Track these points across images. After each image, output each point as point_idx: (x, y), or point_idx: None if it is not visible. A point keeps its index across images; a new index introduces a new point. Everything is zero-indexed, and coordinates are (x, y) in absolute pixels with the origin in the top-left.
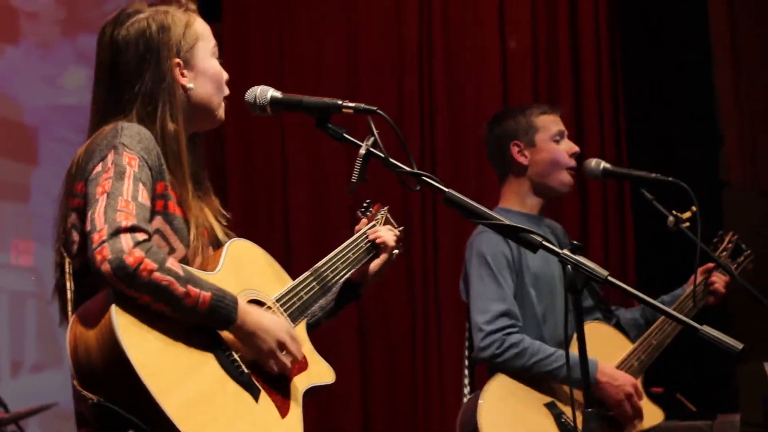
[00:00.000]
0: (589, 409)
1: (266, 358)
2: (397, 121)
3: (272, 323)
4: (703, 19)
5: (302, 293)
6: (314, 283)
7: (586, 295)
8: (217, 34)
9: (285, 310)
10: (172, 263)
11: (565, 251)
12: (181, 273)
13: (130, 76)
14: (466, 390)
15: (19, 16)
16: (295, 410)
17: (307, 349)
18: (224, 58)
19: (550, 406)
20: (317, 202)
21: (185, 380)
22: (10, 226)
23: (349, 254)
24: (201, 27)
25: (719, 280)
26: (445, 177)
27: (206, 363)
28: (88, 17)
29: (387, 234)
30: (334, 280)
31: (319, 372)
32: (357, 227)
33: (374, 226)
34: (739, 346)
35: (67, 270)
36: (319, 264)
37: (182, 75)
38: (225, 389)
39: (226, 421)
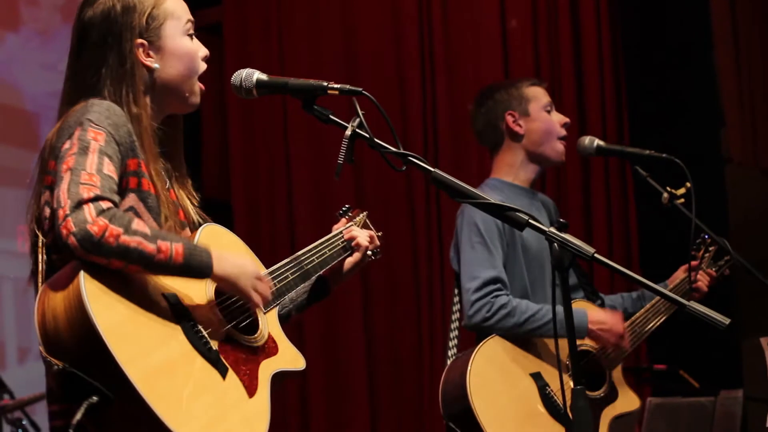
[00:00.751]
0: (578, 387)
1: (247, 296)
2: (397, 105)
3: (246, 264)
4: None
5: (275, 281)
6: (289, 274)
7: (573, 274)
8: (217, 17)
9: None
10: (137, 224)
11: (552, 229)
12: (148, 231)
13: (95, 59)
14: (450, 352)
15: (19, 3)
16: (263, 391)
17: (278, 335)
18: (225, 41)
19: (535, 377)
20: (319, 185)
21: (152, 350)
22: (15, 213)
23: (325, 250)
24: (172, 5)
25: (702, 278)
26: (447, 157)
27: (175, 336)
28: None
29: (362, 234)
30: (310, 272)
31: (289, 357)
32: (335, 226)
33: (351, 226)
34: (726, 321)
35: (40, 248)
36: (296, 255)
37: (148, 56)
38: (192, 363)
39: (191, 392)
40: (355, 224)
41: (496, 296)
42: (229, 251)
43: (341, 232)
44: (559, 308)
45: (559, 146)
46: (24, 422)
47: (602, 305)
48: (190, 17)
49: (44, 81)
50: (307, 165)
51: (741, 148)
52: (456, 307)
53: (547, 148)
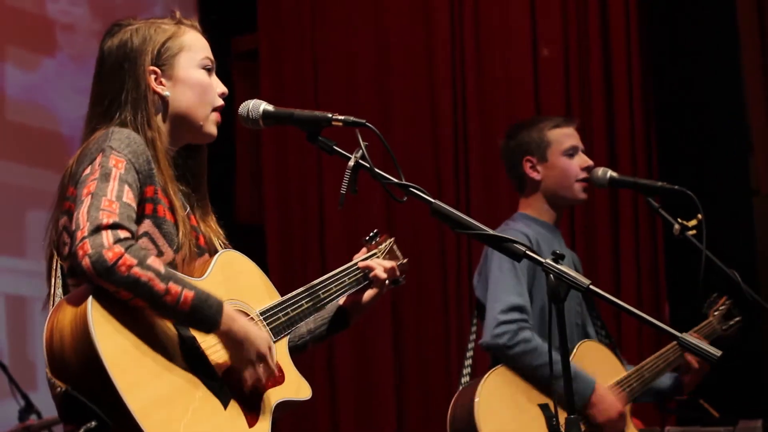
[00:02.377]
0: (572, 416)
1: (245, 367)
2: (429, 132)
3: (257, 334)
4: (732, 29)
5: (289, 310)
6: (304, 302)
7: (587, 314)
8: (252, 45)
9: (268, 324)
10: (153, 260)
11: (548, 260)
12: (162, 270)
13: (114, 85)
14: (464, 379)
15: (55, 29)
16: (264, 422)
17: (286, 363)
18: (260, 67)
19: (543, 408)
20: (351, 210)
21: (154, 379)
22: None
23: (344, 279)
24: (191, 39)
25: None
26: (477, 185)
27: (178, 365)
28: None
29: (378, 267)
30: (325, 301)
31: (295, 387)
32: (355, 255)
33: (372, 255)
34: (718, 353)
35: (54, 272)
36: (312, 284)
37: (160, 83)
38: (193, 392)
39: (188, 422)
40: (379, 251)
41: (522, 328)
42: (242, 286)
43: (357, 263)
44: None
45: (578, 190)
46: None
47: (613, 348)
48: (209, 55)
49: (79, 105)
50: (339, 189)
51: None
52: (473, 336)
53: (564, 192)
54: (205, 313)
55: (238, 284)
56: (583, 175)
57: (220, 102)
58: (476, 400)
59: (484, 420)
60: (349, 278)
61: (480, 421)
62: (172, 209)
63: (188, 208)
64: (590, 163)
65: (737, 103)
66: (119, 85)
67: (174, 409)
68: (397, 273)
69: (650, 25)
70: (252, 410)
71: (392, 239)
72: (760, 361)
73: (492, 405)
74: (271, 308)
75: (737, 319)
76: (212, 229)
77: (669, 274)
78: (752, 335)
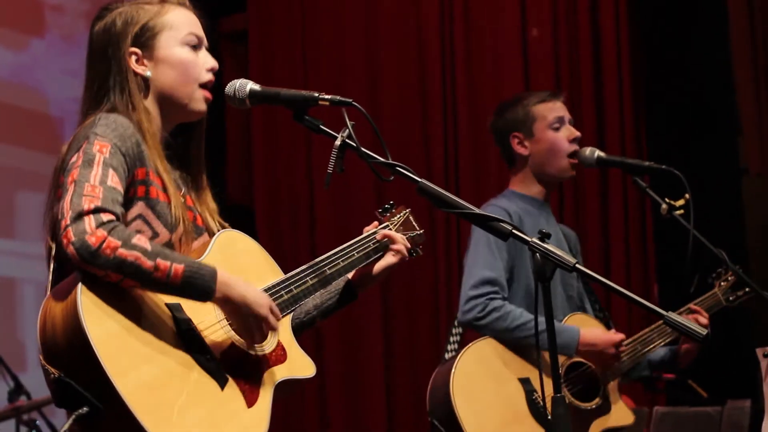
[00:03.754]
0: (558, 394)
1: (250, 330)
2: (419, 112)
3: (255, 296)
4: (722, 9)
5: (293, 287)
6: (308, 279)
7: (583, 292)
8: (241, 24)
9: None
10: (138, 239)
11: (534, 239)
12: (149, 248)
13: (101, 70)
14: (447, 355)
15: (44, 9)
16: (264, 401)
17: (288, 342)
18: (249, 48)
19: (524, 382)
20: (340, 191)
21: (145, 363)
22: (37, 216)
23: (353, 253)
24: (174, 17)
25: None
26: (466, 166)
27: (173, 348)
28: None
29: (399, 238)
30: (332, 277)
31: (298, 365)
32: (366, 228)
33: (387, 227)
34: (703, 332)
35: (53, 258)
36: (318, 259)
37: (142, 64)
38: (188, 374)
39: (183, 404)
40: (392, 224)
41: (492, 298)
42: (242, 265)
43: (374, 234)
44: (556, 324)
45: (565, 164)
46: (37, 422)
47: (607, 322)
48: (194, 31)
49: (68, 86)
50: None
51: (758, 157)
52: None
53: (551, 168)
54: (198, 283)
55: (238, 263)
56: (572, 147)
57: (208, 77)
58: (452, 372)
59: (458, 393)
60: (358, 252)
61: (455, 394)
62: (165, 189)
63: (183, 189)
64: (577, 134)
65: (726, 83)
66: (105, 70)
67: (167, 393)
68: (407, 245)
69: (640, 6)
70: (252, 390)
71: (408, 210)
72: (749, 340)
73: (468, 378)
74: (274, 286)
75: (746, 290)
76: (209, 209)
77: (658, 255)
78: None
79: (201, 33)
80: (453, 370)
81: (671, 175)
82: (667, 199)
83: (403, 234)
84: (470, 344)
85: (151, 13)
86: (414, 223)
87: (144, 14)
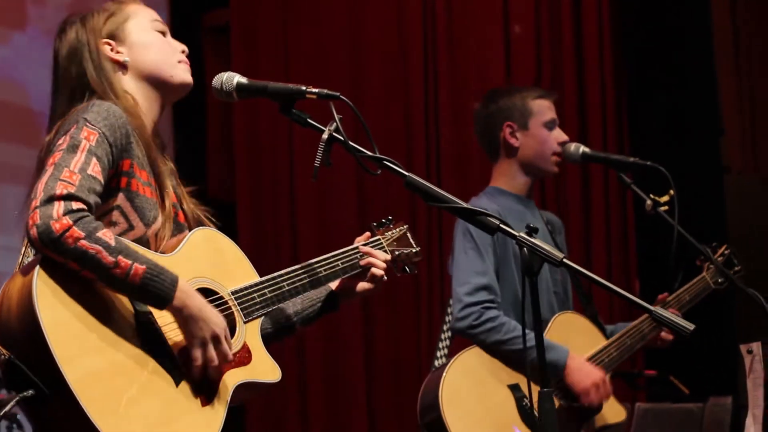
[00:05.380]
0: (545, 389)
1: (196, 346)
2: (402, 109)
3: (212, 315)
4: (704, 7)
5: (266, 291)
6: (285, 284)
7: (569, 286)
8: (223, 19)
9: (240, 304)
10: (104, 233)
11: (522, 234)
12: (113, 243)
13: (74, 72)
14: (438, 362)
15: (26, 2)
16: (219, 401)
17: (255, 345)
18: (231, 43)
19: (513, 388)
20: (323, 188)
21: (96, 353)
22: (16, 209)
23: (337, 263)
24: (135, 8)
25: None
26: (447, 163)
27: (128, 341)
28: (93, 3)
29: (377, 257)
30: (309, 285)
31: (261, 369)
32: (357, 238)
33: (376, 242)
34: (690, 327)
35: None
36: (301, 265)
37: (117, 52)
38: (142, 367)
39: (132, 397)
40: (385, 239)
41: (488, 308)
42: (215, 263)
43: (357, 249)
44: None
45: (552, 161)
46: (19, 417)
47: (595, 318)
48: (157, 18)
49: (50, 80)
50: (311, 167)
51: (740, 156)
52: (448, 318)
53: (539, 163)
54: (157, 287)
55: (208, 262)
56: (559, 149)
57: (183, 57)
58: (442, 382)
59: (448, 403)
60: (342, 263)
61: (444, 404)
62: (150, 184)
63: (170, 186)
64: (566, 138)
65: (709, 81)
66: (80, 70)
67: (115, 383)
68: (385, 267)
69: (623, 5)
70: (208, 390)
71: (406, 226)
72: (731, 337)
73: (458, 388)
74: (246, 288)
75: (738, 268)
76: (192, 205)
77: (640, 251)
78: (723, 311)
79: (164, 23)
80: (441, 384)
81: (656, 172)
82: (652, 195)
83: (397, 250)
84: (456, 356)
85: (113, 8)
86: (411, 240)
87: (105, 12)
